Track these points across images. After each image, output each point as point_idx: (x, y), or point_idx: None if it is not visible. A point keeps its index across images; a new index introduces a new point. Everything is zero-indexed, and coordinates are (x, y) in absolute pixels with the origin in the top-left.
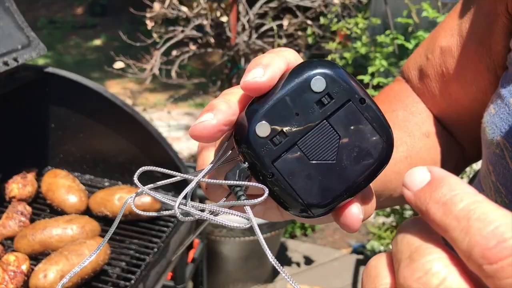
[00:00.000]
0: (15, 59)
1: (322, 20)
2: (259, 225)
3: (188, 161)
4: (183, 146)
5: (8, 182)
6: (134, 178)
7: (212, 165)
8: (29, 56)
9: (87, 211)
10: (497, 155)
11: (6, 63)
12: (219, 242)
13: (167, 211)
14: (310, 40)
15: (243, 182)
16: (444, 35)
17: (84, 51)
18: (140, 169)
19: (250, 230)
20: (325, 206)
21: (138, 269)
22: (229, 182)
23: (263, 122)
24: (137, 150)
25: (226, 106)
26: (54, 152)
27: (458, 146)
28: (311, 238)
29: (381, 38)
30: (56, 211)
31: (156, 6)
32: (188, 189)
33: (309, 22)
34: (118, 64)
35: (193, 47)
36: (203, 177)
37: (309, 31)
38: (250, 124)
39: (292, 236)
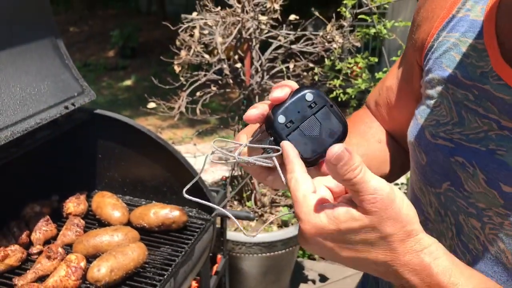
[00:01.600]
0: (73, 104)
1: (326, 61)
2: (275, 242)
3: (211, 186)
4: (209, 176)
5: (65, 201)
6: (212, 143)
7: (252, 138)
8: (83, 101)
9: (128, 223)
10: (413, 151)
11: (66, 107)
12: (240, 258)
13: (230, 161)
14: (316, 78)
15: (270, 146)
16: (389, 77)
17: (115, 92)
18: (216, 139)
19: (266, 247)
20: (313, 158)
21: (170, 268)
22: (263, 146)
23: (281, 115)
24: (168, 175)
25: (262, 106)
26: (101, 177)
27: (403, 151)
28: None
29: (379, 75)
30: (103, 224)
31: (183, 53)
32: (241, 148)
33: (311, 64)
34: (151, 104)
35: (214, 88)
36: (250, 142)
37: (316, 70)
38: (275, 117)
39: (311, 258)
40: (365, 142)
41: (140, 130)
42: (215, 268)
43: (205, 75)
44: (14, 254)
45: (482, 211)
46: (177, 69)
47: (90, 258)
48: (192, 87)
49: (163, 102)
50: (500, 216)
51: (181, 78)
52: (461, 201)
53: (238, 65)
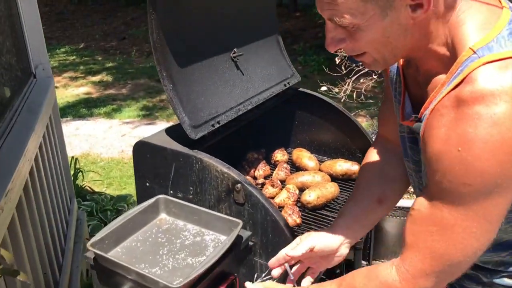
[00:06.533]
0: (288, 83)
1: None
2: None
3: None
4: None
5: (273, 153)
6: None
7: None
8: (293, 82)
9: (319, 172)
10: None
11: (285, 85)
12: (384, 219)
13: None
14: None
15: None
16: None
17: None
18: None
19: (407, 212)
20: None
21: None
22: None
23: None
24: (347, 139)
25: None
26: (295, 138)
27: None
28: None
29: None
30: (300, 170)
31: None
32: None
33: None
34: (323, 88)
35: (375, 76)
36: None
37: None
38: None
39: None
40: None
41: (329, 103)
42: None
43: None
44: (250, 181)
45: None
46: (337, 60)
47: (298, 190)
48: (357, 75)
49: (332, 87)
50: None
51: (343, 68)
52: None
53: None
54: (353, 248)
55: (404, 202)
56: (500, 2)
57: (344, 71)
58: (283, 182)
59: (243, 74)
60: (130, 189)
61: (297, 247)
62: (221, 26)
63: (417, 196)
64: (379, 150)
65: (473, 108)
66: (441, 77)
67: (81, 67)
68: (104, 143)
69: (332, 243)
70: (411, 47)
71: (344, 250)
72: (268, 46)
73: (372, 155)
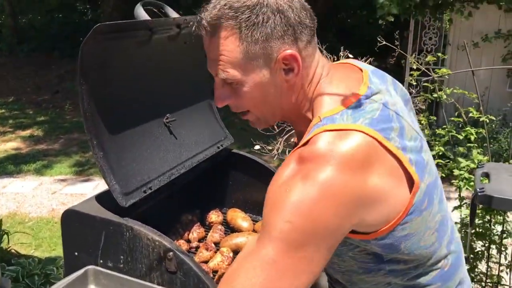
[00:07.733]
0: (221, 145)
1: None
2: None
3: None
4: None
5: (208, 214)
6: None
7: None
8: (226, 144)
9: (253, 232)
10: None
11: (218, 147)
12: None
13: None
14: None
15: None
16: None
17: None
18: None
19: None
20: None
21: None
22: None
23: None
24: None
25: None
26: (229, 198)
27: None
28: None
29: (439, 131)
30: (234, 231)
31: None
32: None
33: None
34: (257, 147)
35: None
36: None
37: None
38: None
39: None
40: None
41: (263, 165)
42: None
43: None
44: (183, 245)
45: None
46: None
47: (233, 252)
48: (288, 134)
49: (265, 145)
50: None
51: (275, 127)
52: None
53: None
54: None
55: None
56: (362, 78)
57: (277, 130)
58: (218, 244)
59: (176, 139)
60: (61, 250)
61: None
62: (153, 93)
63: None
64: None
65: (308, 165)
66: None
67: (10, 121)
68: (33, 201)
69: None
70: (287, 109)
71: None
72: (201, 110)
73: None
